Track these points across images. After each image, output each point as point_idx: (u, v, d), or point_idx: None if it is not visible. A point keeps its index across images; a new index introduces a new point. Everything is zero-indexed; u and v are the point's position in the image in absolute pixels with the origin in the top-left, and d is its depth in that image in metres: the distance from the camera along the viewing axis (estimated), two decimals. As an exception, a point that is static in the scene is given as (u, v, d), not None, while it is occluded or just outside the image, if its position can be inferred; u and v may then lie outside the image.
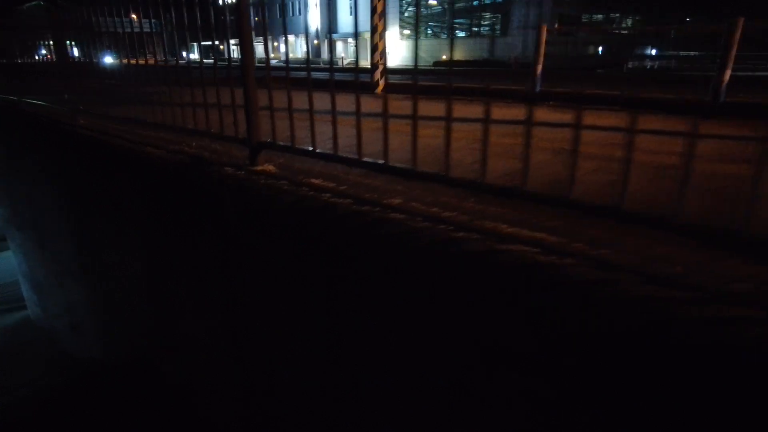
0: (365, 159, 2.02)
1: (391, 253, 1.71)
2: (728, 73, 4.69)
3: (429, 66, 21.54)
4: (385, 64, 7.88)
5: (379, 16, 6.68)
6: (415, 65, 1.92)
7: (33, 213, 5.92)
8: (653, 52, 25.88)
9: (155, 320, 4.18)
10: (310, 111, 2.23)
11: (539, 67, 5.97)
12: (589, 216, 1.51)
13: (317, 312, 2.19)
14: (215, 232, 2.71)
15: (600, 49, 27.85)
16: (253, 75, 2.43)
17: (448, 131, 1.74)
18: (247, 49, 2.41)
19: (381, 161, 1.96)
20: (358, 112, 2.03)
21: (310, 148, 2.24)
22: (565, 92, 5.92)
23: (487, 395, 1.55)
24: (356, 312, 1.97)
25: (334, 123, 2.13)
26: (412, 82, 1.80)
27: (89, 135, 3.93)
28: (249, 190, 2.33)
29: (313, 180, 2.31)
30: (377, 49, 7.07)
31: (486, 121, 1.64)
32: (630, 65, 22.63)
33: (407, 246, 1.66)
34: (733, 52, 4.52)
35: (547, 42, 5.70)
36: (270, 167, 2.55)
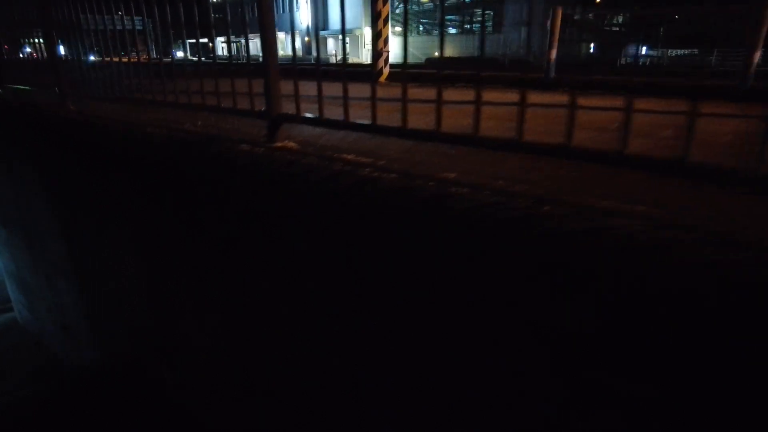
0: (414, 128, 1.74)
1: (460, 231, 1.43)
2: (758, 55, 4.47)
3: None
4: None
5: (383, 1, 6.37)
6: (482, 45, 1.64)
7: (19, 207, 5.55)
8: (644, 50, 25.87)
9: (154, 320, 3.88)
10: (344, 86, 1.94)
11: (553, 52, 5.74)
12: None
13: (363, 305, 1.91)
14: (226, 218, 2.42)
15: (592, 46, 27.79)
16: (275, 39, 2.14)
17: (523, 101, 1.47)
18: (266, 11, 2.12)
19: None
20: (404, 95, 1.76)
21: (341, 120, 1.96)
22: (592, 79, 5.68)
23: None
24: (415, 301, 1.69)
25: (373, 97, 1.85)
26: (474, 72, 1.55)
27: (80, 120, 3.60)
28: (271, 166, 2.03)
29: (345, 155, 2.03)
30: (381, 35, 6.78)
31: (572, 106, 1.39)
32: (623, 61, 22.58)
33: (479, 222, 1.38)
34: (764, 30, 4.29)
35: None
36: (291, 144, 2.26)
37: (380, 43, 6.80)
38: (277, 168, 2.01)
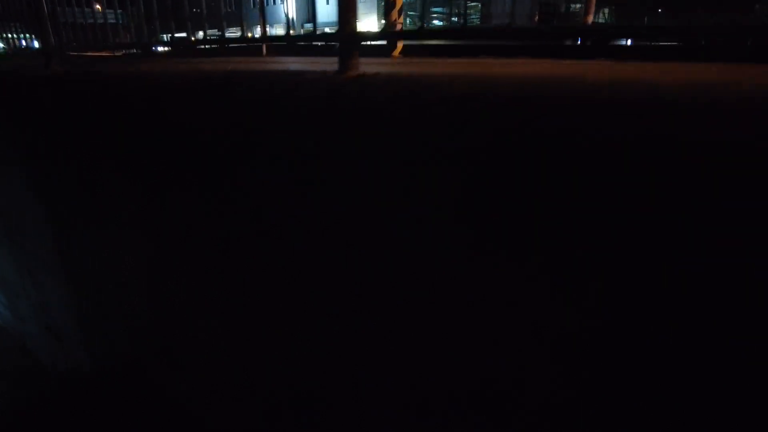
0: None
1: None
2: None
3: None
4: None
5: (395, -33, 5.88)
6: None
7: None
8: (629, 42, 26.02)
9: (152, 320, 3.49)
10: None
11: (590, 18, 5.30)
12: None
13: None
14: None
15: (579, 39, 27.86)
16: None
17: None
18: None
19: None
20: None
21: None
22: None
23: None
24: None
25: None
26: None
27: (70, 79, 3.04)
28: (364, 92, 1.51)
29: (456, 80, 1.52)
30: (394, 6, 6.27)
31: None
32: (611, 53, 22.61)
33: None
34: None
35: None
36: (371, 72, 1.74)
37: (393, 14, 6.30)
38: (370, 92, 1.50)
